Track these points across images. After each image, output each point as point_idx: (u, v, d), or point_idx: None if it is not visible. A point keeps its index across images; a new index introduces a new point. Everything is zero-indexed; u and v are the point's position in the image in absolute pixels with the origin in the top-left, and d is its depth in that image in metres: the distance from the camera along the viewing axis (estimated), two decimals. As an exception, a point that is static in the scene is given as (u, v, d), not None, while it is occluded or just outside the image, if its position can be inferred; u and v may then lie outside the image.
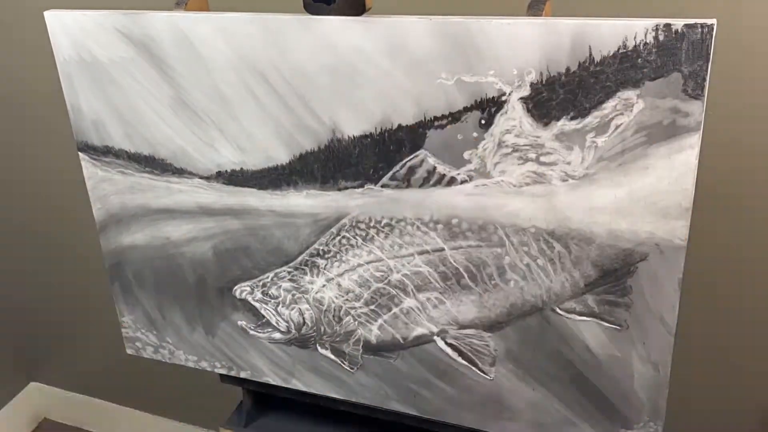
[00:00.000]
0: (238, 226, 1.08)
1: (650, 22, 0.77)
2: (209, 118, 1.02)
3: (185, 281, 1.16)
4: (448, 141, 0.90)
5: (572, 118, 0.84)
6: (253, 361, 1.17)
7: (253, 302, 1.12)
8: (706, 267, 1.25)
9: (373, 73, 0.89)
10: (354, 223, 1.00)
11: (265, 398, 1.28)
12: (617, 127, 0.83)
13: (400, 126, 0.91)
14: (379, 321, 1.05)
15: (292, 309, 1.10)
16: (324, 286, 1.06)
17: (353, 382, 1.12)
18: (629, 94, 0.80)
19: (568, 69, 0.81)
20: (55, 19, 1.05)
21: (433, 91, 0.88)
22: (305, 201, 1.01)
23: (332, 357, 1.11)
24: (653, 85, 0.79)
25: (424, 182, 0.94)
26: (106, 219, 1.17)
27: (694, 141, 0.80)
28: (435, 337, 1.03)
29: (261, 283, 1.11)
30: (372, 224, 0.99)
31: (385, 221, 0.98)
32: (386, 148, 0.93)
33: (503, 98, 0.85)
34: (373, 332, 1.06)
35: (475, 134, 0.88)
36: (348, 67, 0.90)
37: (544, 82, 0.83)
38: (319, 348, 1.11)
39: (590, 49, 0.80)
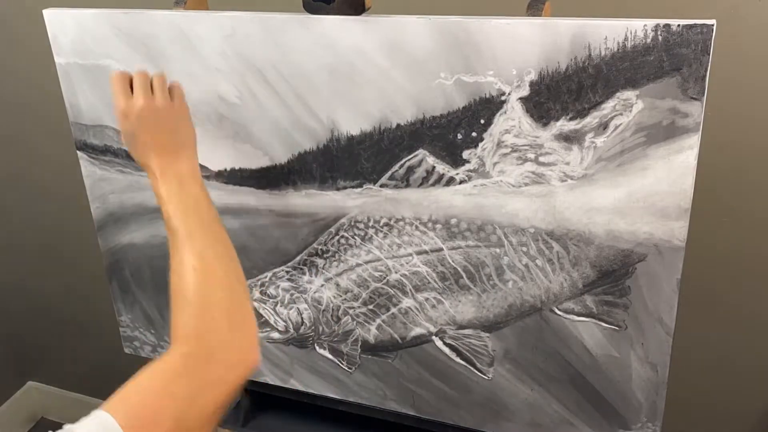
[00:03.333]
0: (237, 225, 1.08)
1: (650, 23, 0.77)
2: (207, 116, 1.01)
3: (183, 280, 1.16)
4: (447, 141, 0.90)
5: (571, 119, 0.84)
6: (251, 360, 1.17)
7: (251, 302, 1.12)
8: (705, 268, 1.25)
9: (372, 72, 0.89)
10: (353, 223, 1.00)
11: (263, 398, 1.28)
12: (616, 127, 0.83)
13: (399, 125, 0.91)
14: (378, 321, 1.05)
15: (291, 308, 1.10)
16: (322, 285, 1.06)
17: (351, 381, 1.12)
18: (628, 94, 0.80)
19: (567, 69, 0.81)
20: (54, 18, 1.04)
21: (432, 90, 0.88)
22: (304, 201, 1.01)
23: (330, 357, 1.11)
24: (652, 86, 0.79)
25: (423, 182, 0.93)
26: (104, 218, 1.17)
27: (693, 142, 0.80)
28: (433, 337, 1.03)
29: (259, 283, 1.10)
30: (371, 224, 0.99)
31: (383, 221, 0.98)
32: (385, 147, 0.93)
33: (502, 98, 0.85)
34: (372, 332, 1.06)
35: (474, 134, 0.88)
36: (347, 67, 0.90)
37: (543, 82, 0.83)
38: (317, 348, 1.11)
39: (589, 49, 0.79)
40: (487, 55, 0.83)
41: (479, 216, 0.93)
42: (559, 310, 0.95)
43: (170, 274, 0.83)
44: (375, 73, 0.89)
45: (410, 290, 1.01)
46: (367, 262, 1.01)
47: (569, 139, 0.85)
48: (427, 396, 1.07)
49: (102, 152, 1.12)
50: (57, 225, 1.91)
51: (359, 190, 0.97)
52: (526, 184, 0.89)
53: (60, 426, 0.64)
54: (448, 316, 1.01)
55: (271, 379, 1.18)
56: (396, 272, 1.01)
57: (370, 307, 1.04)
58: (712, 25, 0.75)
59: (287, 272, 1.08)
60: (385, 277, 1.01)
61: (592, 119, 0.83)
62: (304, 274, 1.07)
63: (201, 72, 0.98)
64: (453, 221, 0.94)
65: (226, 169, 1.04)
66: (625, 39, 0.78)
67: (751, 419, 1.40)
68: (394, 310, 1.03)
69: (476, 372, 1.03)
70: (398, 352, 1.06)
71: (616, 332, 0.93)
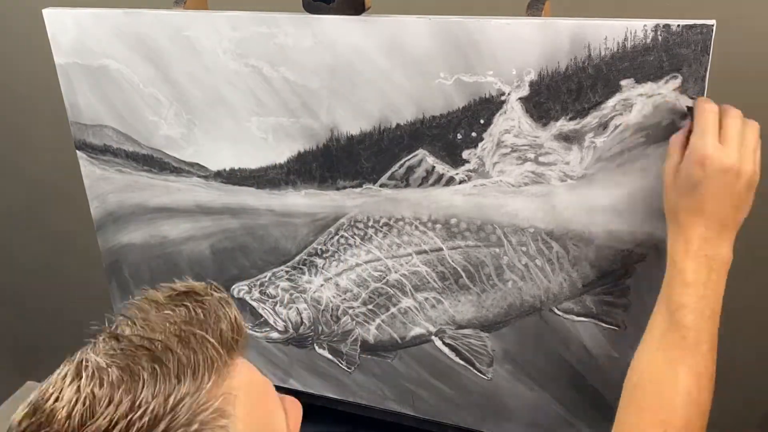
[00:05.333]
0: (236, 225, 1.08)
1: (650, 23, 0.77)
2: (207, 116, 1.01)
3: (183, 280, 1.16)
4: (446, 141, 0.90)
5: (571, 119, 0.84)
6: (251, 360, 1.17)
7: (250, 301, 1.12)
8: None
9: (372, 72, 0.89)
10: (352, 223, 1.00)
11: (262, 398, 1.27)
12: (616, 127, 0.82)
13: (398, 125, 0.91)
14: (377, 321, 1.05)
15: (290, 308, 1.10)
16: (322, 285, 1.06)
17: (351, 382, 1.12)
18: (628, 94, 0.80)
19: (567, 69, 0.81)
20: (53, 17, 1.04)
21: (432, 90, 0.88)
22: (303, 200, 1.01)
23: (330, 357, 1.11)
24: (652, 86, 0.79)
25: (423, 182, 0.93)
26: (103, 217, 1.17)
27: (692, 142, 0.80)
28: (433, 337, 1.03)
29: (258, 283, 1.10)
30: (370, 224, 0.99)
31: (383, 221, 0.98)
32: (385, 147, 0.93)
33: (502, 98, 0.85)
34: (371, 332, 1.06)
35: (473, 134, 0.88)
36: (347, 67, 0.90)
37: (543, 82, 0.83)
38: (316, 348, 1.11)
39: (589, 49, 0.79)
40: (487, 55, 0.83)
41: (479, 216, 0.93)
42: (559, 310, 0.95)
43: (650, 363, 0.69)
44: (375, 73, 0.89)
45: (410, 290, 1.01)
46: (366, 262, 1.01)
47: (569, 139, 0.85)
48: (427, 396, 1.07)
49: (101, 152, 1.11)
50: (56, 224, 1.91)
51: (359, 189, 0.97)
52: (526, 184, 0.89)
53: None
54: (447, 315, 1.01)
55: (270, 379, 1.17)
56: (395, 272, 1.00)
57: (370, 306, 1.04)
58: (712, 25, 0.75)
59: (287, 272, 1.08)
60: (384, 277, 1.01)
61: (592, 119, 0.83)
62: (303, 273, 1.07)
63: (200, 72, 0.98)
64: (453, 221, 0.94)
65: (225, 169, 1.04)
66: (625, 39, 0.78)
67: (751, 419, 1.40)
68: (393, 309, 1.03)
69: (475, 372, 1.02)
70: (398, 352, 1.06)
71: (616, 332, 0.93)
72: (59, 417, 0.50)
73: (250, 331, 1.14)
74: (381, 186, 0.96)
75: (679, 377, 0.67)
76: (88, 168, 1.14)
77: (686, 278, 0.70)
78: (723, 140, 0.70)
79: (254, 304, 1.12)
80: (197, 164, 1.06)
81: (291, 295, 1.09)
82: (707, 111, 0.71)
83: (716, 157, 0.69)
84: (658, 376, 0.68)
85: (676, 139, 0.73)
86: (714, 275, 0.70)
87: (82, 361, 0.53)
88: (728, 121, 0.71)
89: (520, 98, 0.84)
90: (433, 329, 1.02)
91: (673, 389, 0.66)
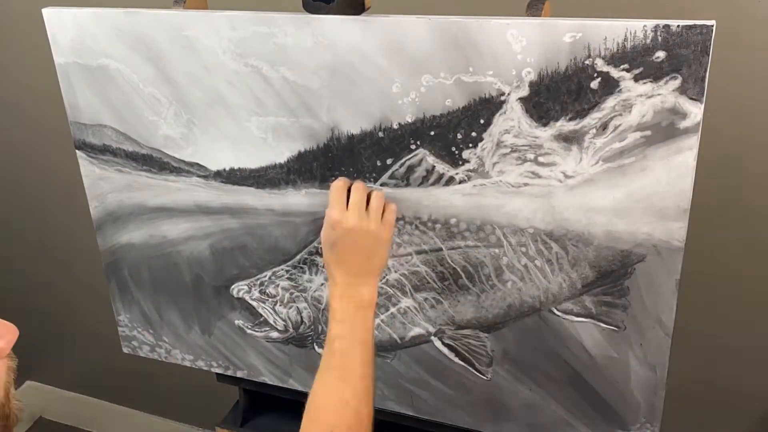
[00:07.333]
0: (236, 224, 1.08)
1: (649, 23, 0.77)
2: (207, 116, 1.01)
3: (182, 280, 1.16)
4: (447, 140, 0.90)
5: (571, 119, 0.84)
6: (250, 360, 1.17)
7: (250, 301, 1.12)
8: (703, 269, 1.25)
9: (372, 72, 0.89)
10: (352, 222, 1.00)
11: (261, 398, 1.28)
12: (616, 128, 0.83)
13: (399, 125, 0.91)
14: (377, 320, 1.05)
15: (290, 308, 1.10)
16: (322, 284, 1.06)
17: (350, 381, 1.11)
18: (628, 95, 0.80)
19: (566, 69, 0.81)
20: (53, 17, 1.04)
21: (432, 90, 0.88)
22: (304, 200, 1.01)
23: (329, 357, 1.11)
24: (652, 86, 0.79)
25: (423, 181, 0.93)
26: (103, 217, 1.17)
27: (692, 142, 0.80)
28: (432, 337, 1.03)
29: (258, 282, 1.10)
30: (370, 223, 0.99)
31: (383, 220, 0.98)
32: (385, 146, 0.93)
33: (502, 98, 0.85)
34: (371, 332, 1.06)
35: (473, 134, 0.88)
36: (347, 67, 0.90)
37: (542, 82, 0.83)
38: (316, 347, 1.11)
39: (589, 49, 0.79)
40: (487, 55, 0.83)
41: (478, 216, 0.93)
42: (558, 310, 0.95)
43: (316, 386, 0.84)
44: (375, 73, 0.89)
45: (409, 290, 1.01)
46: (366, 262, 1.01)
47: (569, 139, 0.85)
48: (426, 396, 1.07)
49: (101, 151, 1.11)
50: (56, 224, 1.91)
51: (359, 189, 0.97)
52: (526, 185, 0.89)
53: (58, 425, 0.65)
54: (446, 316, 1.01)
55: (269, 379, 1.17)
56: (395, 272, 1.00)
57: (369, 306, 1.04)
58: (712, 25, 0.75)
59: (287, 271, 1.08)
60: (384, 277, 1.01)
61: (591, 120, 0.83)
62: (304, 272, 1.06)
63: (200, 71, 0.98)
64: (452, 221, 0.94)
65: (225, 169, 1.04)
66: (625, 39, 0.78)
67: (751, 419, 1.41)
68: (393, 309, 1.03)
69: (475, 372, 1.02)
70: (397, 352, 1.06)
71: (615, 333, 0.93)
72: None
73: (250, 331, 1.14)
74: (382, 185, 0.96)
75: (336, 389, 0.82)
76: (87, 168, 1.14)
77: (336, 316, 0.87)
78: (349, 207, 0.89)
79: (254, 303, 1.12)
80: (197, 164, 1.06)
81: (291, 294, 1.09)
82: (336, 187, 0.91)
83: (342, 221, 0.88)
84: (325, 388, 0.84)
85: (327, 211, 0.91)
86: (361, 312, 0.88)
87: None
88: (352, 193, 0.90)
89: (519, 98, 0.84)
90: (432, 329, 1.02)
91: (333, 397, 0.82)
